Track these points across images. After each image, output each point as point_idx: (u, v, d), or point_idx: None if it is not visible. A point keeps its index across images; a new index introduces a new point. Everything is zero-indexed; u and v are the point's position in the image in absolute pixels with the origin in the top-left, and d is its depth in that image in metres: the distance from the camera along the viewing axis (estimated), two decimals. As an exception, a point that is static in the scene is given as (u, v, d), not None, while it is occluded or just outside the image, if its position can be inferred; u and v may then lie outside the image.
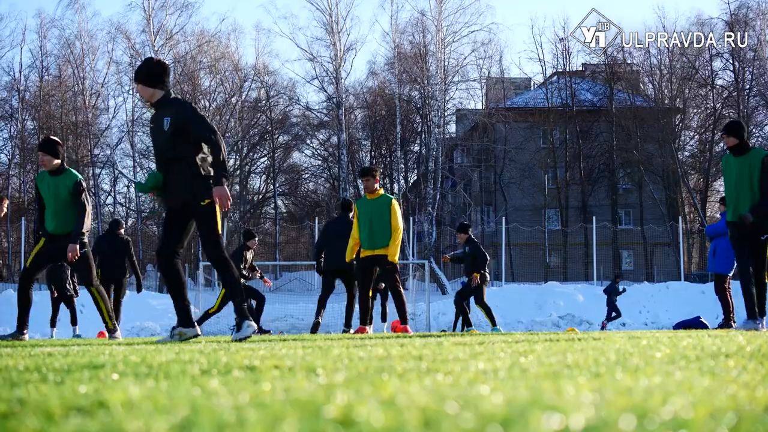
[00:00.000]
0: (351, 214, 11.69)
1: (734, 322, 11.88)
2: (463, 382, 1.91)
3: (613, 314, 23.37)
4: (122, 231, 14.52)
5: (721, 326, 11.76)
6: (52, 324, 16.57)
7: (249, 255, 14.77)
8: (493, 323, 14.22)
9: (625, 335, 6.33)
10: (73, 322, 16.13)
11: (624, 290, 23.93)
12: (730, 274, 11.83)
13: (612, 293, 23.52)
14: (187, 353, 3.66)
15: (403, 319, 10.44)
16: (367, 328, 10.52)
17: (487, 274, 14.43)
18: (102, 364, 2.82)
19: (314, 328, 12.17)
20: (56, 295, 16.04)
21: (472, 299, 14.84)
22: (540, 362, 2.62)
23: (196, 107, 7.08)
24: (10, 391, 1.84)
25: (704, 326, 12.13)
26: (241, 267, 14.29)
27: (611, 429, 1.20)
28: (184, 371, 2.40)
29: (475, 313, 16.22)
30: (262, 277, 14.96)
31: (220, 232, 6.82)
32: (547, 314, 24.51)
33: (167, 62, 39.62)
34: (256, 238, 15.25)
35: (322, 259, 12.15)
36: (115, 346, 5.74)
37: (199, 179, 6.64)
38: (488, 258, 14.72)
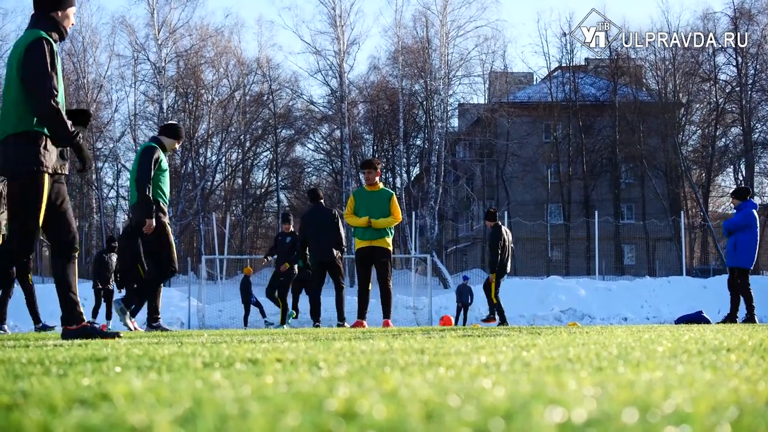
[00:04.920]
0: (321, 202, 12.09)
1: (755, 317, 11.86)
2: (465, 376, 1.91)
3: None
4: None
5: (745, 320, 11.74)
6: (94, 315, 17.26)
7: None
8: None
9: (626, 329, 6.33)
10: (108, 316, 16.62)
11: None
12: (750, 268, 11.91)
13: None
14: (189, 346, 3.67)
15: (386, 313, 10.43)
16: (365, 322, 10.45)
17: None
18: (105, 357, 2.82)
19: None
20: (100, 287, 16.93)
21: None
22: (542, 356, 2.62)
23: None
24: (14, 384, 1.85)
25: (706, 321, 12.10)
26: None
27: (613, 422, 1.20)
28: (186, 364, 2.40)
29: (476, 307, 16.30)
30: None
31: None
32: (549, 308, 24.50)
33: (171, 56, 38.72)
34: None
35: (307, 254, 12.04)
36: (117, 339, 5.74)
37: None
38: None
